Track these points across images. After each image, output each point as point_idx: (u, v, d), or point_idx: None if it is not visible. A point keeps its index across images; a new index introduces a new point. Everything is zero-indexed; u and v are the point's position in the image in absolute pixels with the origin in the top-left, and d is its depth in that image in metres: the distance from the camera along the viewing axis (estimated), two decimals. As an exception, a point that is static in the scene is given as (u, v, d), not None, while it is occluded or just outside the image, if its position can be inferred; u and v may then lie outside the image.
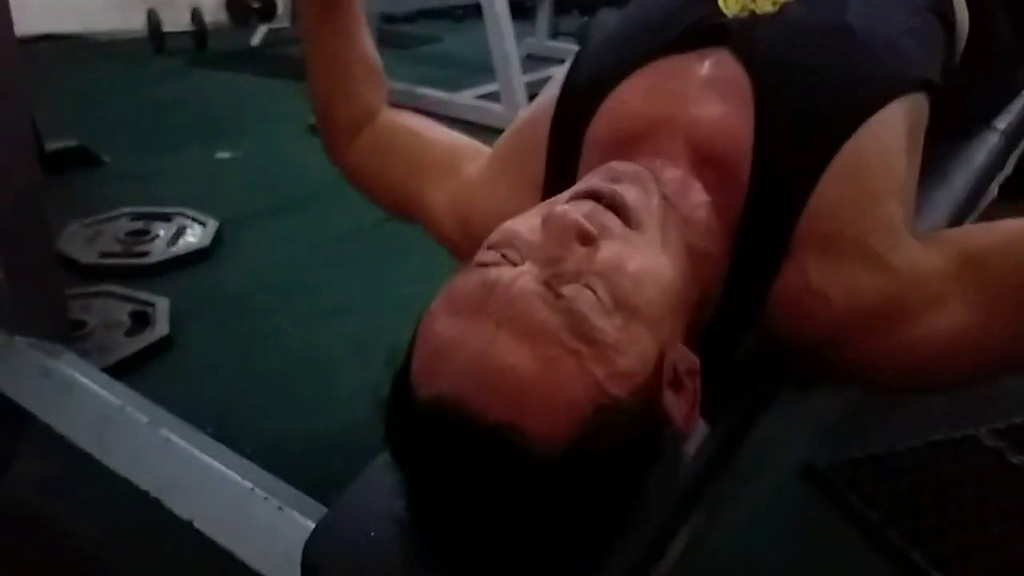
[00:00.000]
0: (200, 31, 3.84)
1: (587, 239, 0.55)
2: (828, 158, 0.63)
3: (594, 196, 0.59)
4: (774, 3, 0.71)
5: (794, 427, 1.26)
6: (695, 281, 0.62)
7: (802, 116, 0.65)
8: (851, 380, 0.75)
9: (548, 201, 0.63)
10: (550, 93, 0.77)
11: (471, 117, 2.80)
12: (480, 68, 3.02)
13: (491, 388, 0.50)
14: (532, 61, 3.89)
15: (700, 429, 0.60)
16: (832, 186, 0.63)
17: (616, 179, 0.62)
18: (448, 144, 0.87)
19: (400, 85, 3.17)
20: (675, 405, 0.56)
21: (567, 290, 0.53)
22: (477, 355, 0.51)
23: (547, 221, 0.56)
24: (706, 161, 0.66)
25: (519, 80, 2.81)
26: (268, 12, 4.50)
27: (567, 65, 0.78)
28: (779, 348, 0.69)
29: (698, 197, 0.65)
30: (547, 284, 0.53)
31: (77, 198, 2.07)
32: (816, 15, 0.70)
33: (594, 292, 0.53)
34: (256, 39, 4.00)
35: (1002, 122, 0.99)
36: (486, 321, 0.52)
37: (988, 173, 0.94)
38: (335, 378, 1.38)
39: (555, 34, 4.18)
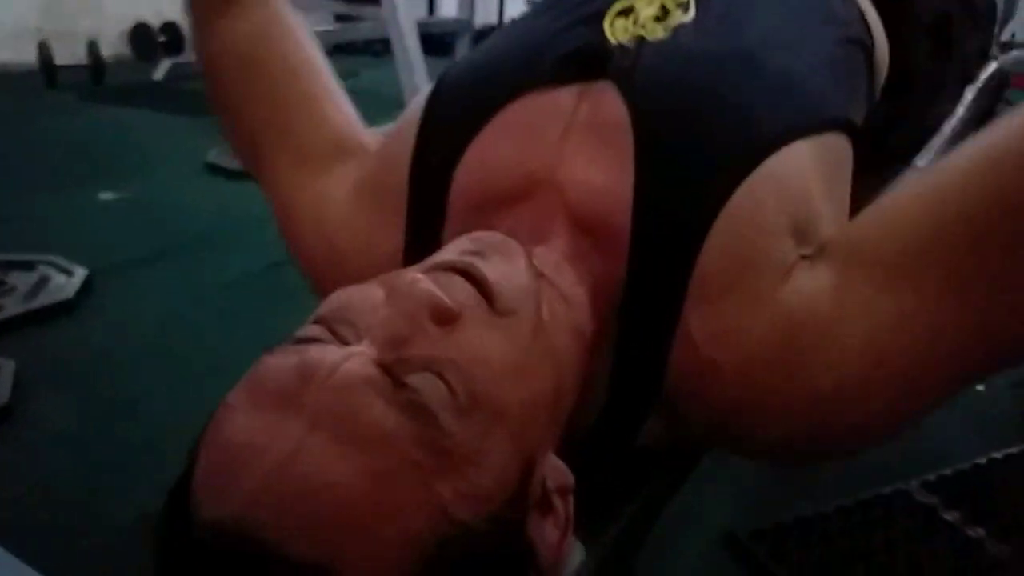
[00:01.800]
0: (97, 64, 3.62)
1: (444, 317, 0.43)
2: (715, 213, 0.52)
3: (453, 271, 0.47)
4: (665, 27, 0.61)
5: (714, 492, 1.15)
6: (576, 374, 0.50)
7: (686, 166, 0.54)
8: (776, 458, 0.64)
9: (397, 271, 0.50)
10: (408, 129, 0.65)
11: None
12: (396, 103, 2.90)
13: (296, 513, 0.37)
14: (450, 97, 3.81)
15: (575, 558, 0.47)
16: (719, 244, 0.53)
17: (480, 252, 0.49)
18: (329, 120, 0.73)
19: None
20: (542, 532, 0.43)
21: (413, 379, 0.40)
22: (280, 465, 0.38)
23: (394, 292, 0.44)
24: (584, 225, 0.55)
25: (431, 116, 2.69)
26: (174, 46, 4.31)
27: (424, 96, 0.66)
28: (690, 433, 0.58)
29: (579, 269, 0.54)
30: (386, 370, 0.41)
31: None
32: (714, 43, 0.60)
33: (447, 384, 0.41)
34: (159, 73, 3.80)
35: (923, 160, 0.92)
36: (298, 419, 0.39)
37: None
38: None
39: (474, 70, 4.11)
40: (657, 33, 0.60)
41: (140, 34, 4.29)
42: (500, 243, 0.51)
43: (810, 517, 1.15)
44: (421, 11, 5.32)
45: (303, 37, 0.76)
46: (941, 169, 0.51)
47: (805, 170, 0.56)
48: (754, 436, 0.53)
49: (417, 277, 0.44)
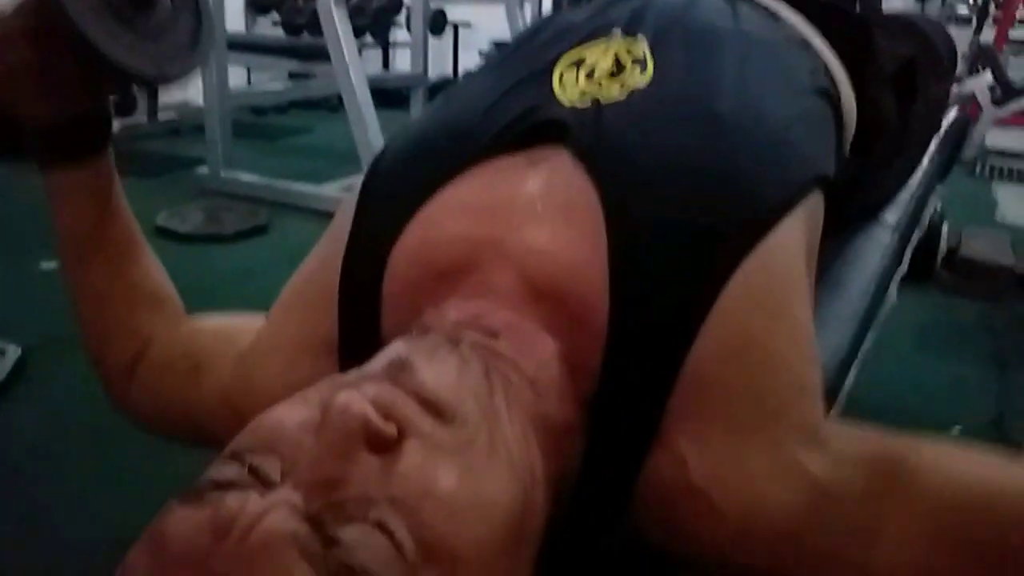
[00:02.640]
0: (43, 128, 3.52)
1: (381, 445, 0.37)
2: (711, 296, 0.46)
3: (392, 373, 0.41)
4: (622, 85, 0.55)
5: None
6: (545, 479, 0.44)
7: (672, 240, 0.47)
8: None
9: (328, 380, 0.43)
10: (342, 220, 0.59)
11: (335, 208, 2.61)
12: (349, 158, 2.85)
13: None
14: (408, 150, 3.78)
15: None
16: (717, 338, 0.45)
17: (413, 354, 0.43)
18: (222, 326, 0.67)
19: (262, 179, 2.97)
20: None
21: (347, 534, 0.34)
22: None
23: (325, 418, 0.37)
24: (548, 300, 0.48)
25: (387, 171, 2.65)
26: (127, 106, 4.23)
27: (361, 180, 0.60)
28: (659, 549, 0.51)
29: (545, 348, 0.47)
30: (314, 522, 0.34)
31: None
32: (683, 104, 0.54)
33: (390, 535, 0.34)
34: (108, 135, 3.71)
35: (892, 215, 0.87)
36: None
37: (885, 275, 0.81)
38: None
39: (430, 123, 4.10)
40: (613, 93, 0.55)
41: (89, 95, 4.22)
42: (443, 342, 0.44)
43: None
44: (376, 66, 5.32)
45: (193, 325, 0.69)
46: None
47: (797, 241, 0.50)
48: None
49: (348, 398, 0.37)
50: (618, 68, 0.56)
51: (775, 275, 0.48)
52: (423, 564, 0.34)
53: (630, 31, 0.59)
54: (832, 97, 0.67)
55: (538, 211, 0.50)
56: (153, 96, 3.82)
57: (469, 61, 5.78)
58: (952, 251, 2.20)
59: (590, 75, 0.56)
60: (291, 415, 0.40)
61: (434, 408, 0.39)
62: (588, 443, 0.48)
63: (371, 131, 2.55)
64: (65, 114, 0.62)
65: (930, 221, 1.17)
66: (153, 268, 0.72)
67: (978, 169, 3.54)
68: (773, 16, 0.72)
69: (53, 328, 1.73)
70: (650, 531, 0.47)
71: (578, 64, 0.57)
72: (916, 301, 1.98)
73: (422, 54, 3.78)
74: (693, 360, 0.45)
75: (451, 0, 4.93)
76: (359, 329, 0.54)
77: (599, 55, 0.57)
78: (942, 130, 1.06)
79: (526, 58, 0.60)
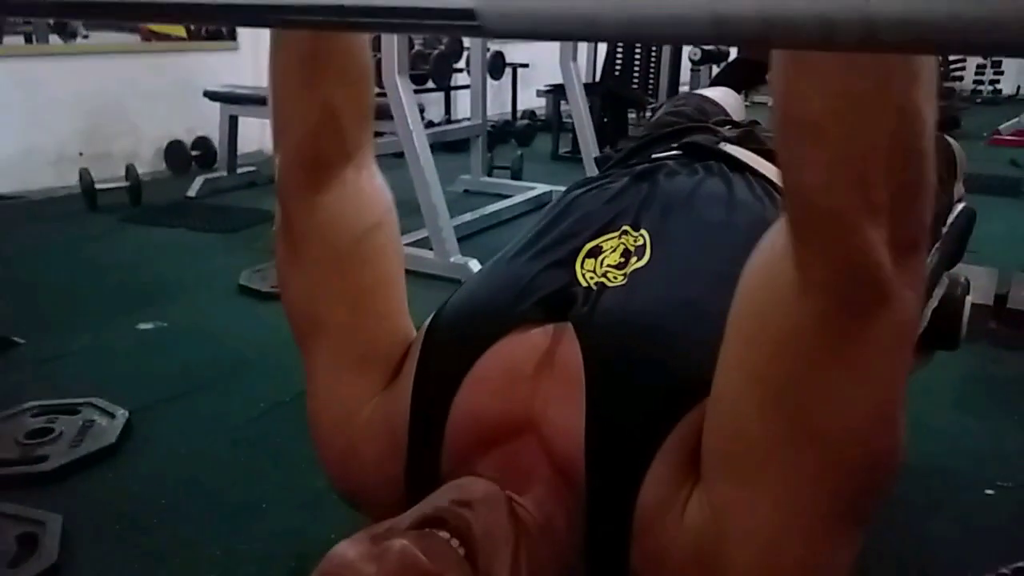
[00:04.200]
0: (135, 185, 3.83)
1: None
2: (651, 457, 0.61)
3: (443, 523, 0.56)
4: (624, 273, 0.70)
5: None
6: None
7: (625, 411, 0.63)
8: None
9: (387, 524, 0.58)
10: (409, 367, 0.74)
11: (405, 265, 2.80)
12: (414, 210, 3.04)
13: None
14: (468, 196, 3.95)
15: None
16: (653, 486, 0.61)
17: (468, 503, 0.58)
18: (379, 319, 0.79)
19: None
20: None
21: None
22: None
23: (384, 556, 0.52)
24: (557, 462, 0.63)
25: (448, 227, 2.84)
26: (207, 161, 4.55)
27: (425, 326, 0.75)
28: None
29: (556, 505, 0.62)
30: None
31: (-17, 390, 1.99)
32: (662, 291, 0.69)
33: None
34: (193, 190, 4.00)
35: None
36: None
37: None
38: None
39: (491, 169, 4.27)
40: (617, 280, 0.69)
41: (174, 151, 4.55)
42: (483, 495, 0.59)
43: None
44: (439, 110, 5.56)
45: (381, 214, 0.81)
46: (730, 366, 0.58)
47: None
48: None
49: (403, 547, 0.51)
50: (625, 259, 0.70)
51: (695, 434, 0.61)
52: None
53: (635, 226, 0.74)
54: None
55: (550, 378, 0.65)
56: (233, 149, 4.09)
57: (528, 100, 5.98)
58: (1001, 299, 2.18)
59: (603, 262, 0.71)
60: (356, 550, 0.55)
61: (473, 552, 0.54)
62: (586, 567, 0.62)
63: (434, 192, 2.76)
64: None
65: (951, 295, 1.26)
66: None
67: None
68: (765, 188, 0.85)
69: (151, 391, 1.95)
70: None
71: (596, 252, 0.72)
72: (963, 352, 2.01)
73: (481, 98, 3.95)
74: (642, 500, 0.60)
75: (510, 41, 5.12)
76: (422, 466, 0.69)
77: (612, 245, 0.72)
78: (948, 223, 1.16)
79: (555, 243, 0.76)
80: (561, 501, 0.62)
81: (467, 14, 0.28)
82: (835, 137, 0.46)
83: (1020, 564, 1.27)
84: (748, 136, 0.97)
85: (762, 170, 0.88)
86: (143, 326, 2.41)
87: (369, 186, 0.79)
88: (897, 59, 0.44)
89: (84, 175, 3.78)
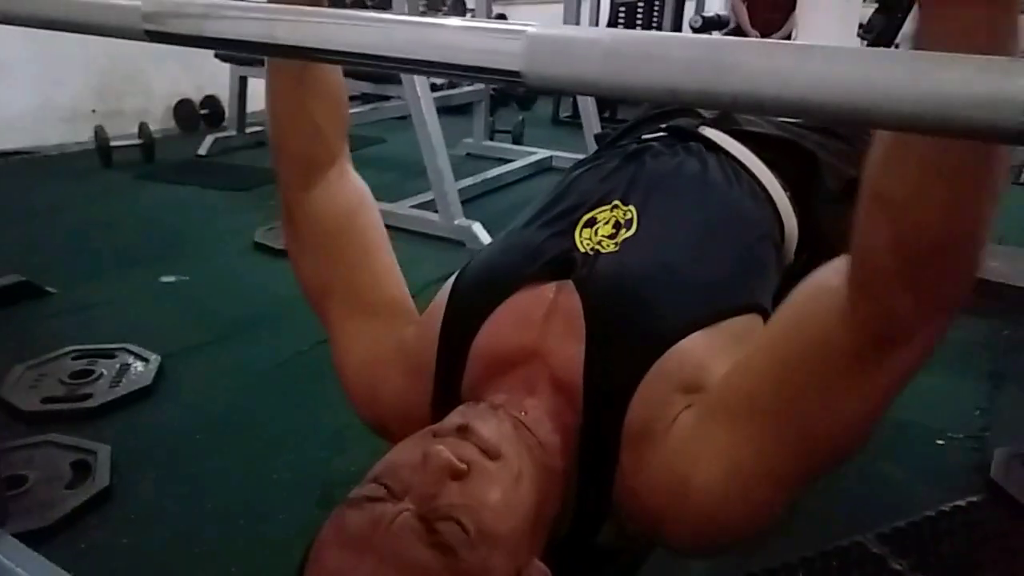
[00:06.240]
0: (148, 143, 3.95)
1: (457, 476, 0.67)
2: (637, 382, 0.76)
3: (461, 432, 0.71)
4: (615, 242, 0.85)
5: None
6: (551, 498, 0.74)
7: (619, 349, 0.78)
8: (694, 553, 0.87)
9: (425, 432, 0.74)
10: (436, 314, 0.90)
11: (409, 226, 2.95)
12: (420, 172, 3.16)
13: None
14: (471, 160, 4.08)
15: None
16: (638, 404, 0.76)
17: (480, 416, 0.74)
18: (388, 287, 0.96)
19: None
20: None
21: (441, 526, 0.64)
22: None
23: (426, 460, 0.67)
24: (558, 386, 0.79)
25: (453, 191, 2.98)
26: (215, 120, 4.66)
27: (447, 290, 0.91)
28: (634, 536, 0.81)
29: (554, 421, 0.78)
30: (424, 520, 0.64)
31: (23, 335, 2.14)
32: (648, 257, 0.85)
33: (462, 527, 0.64)
34: (203, 148, 4.12)
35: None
36: (371, 557, 0.63)
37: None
38: (269, 523, 1.46)
39: (492, 133, 4.39)
40: (609, 247, 0.85)
41: (183, 109, 4.65)
42: (489, 411, 0.75)
43: (776, 568, 1.36)
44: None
45: (374, 214, 0.98)
46: (766, 333, 0.75)
47: (699, 350, 0.79)
48: (670, 538, 0.76)
49: (439, 449, 0.67)
50: (616, 230, 0.86)
51: (676, 367, 0.77)
52: (479, 543, 0.64)
53: (625, 201, 0.90)
54: (773, 237, 0.96)
55: (554, 324, 0.80)
56: (242, 109, 4.20)
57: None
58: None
59: (596, 232, 0.86)
60: (405, 456, 0.71)
61: (488, 451, 0.70)
62: (579, 478, 0.78)
63: (440, 157, 2.91)
64: None
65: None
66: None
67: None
68: (735, 168, 1.00)
69: (179, 339, 2.11)
70: (622, 524, 0.78)
71: (592, 222, 0.87)
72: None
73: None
74: (629, 418, 0.75)
75: (513, 3, 5.18)
76: (447, 392, 0.85)
77: (605, 218, 0.88)
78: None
79: (558, 216, 0.91)
80: (559, 419, 0.77)
81: (514, 74, 0.44)
82: (911, 221, 0.56)
83: (898, 524, 1.44)
84: (725, 117, 1.12)
85: (732, 151, 1.04)
86: (166, 279, 2.56)
87: (349, 181, 0.98)
88: (985, 164, 0.53)
89: (100, 132, 3.89)
